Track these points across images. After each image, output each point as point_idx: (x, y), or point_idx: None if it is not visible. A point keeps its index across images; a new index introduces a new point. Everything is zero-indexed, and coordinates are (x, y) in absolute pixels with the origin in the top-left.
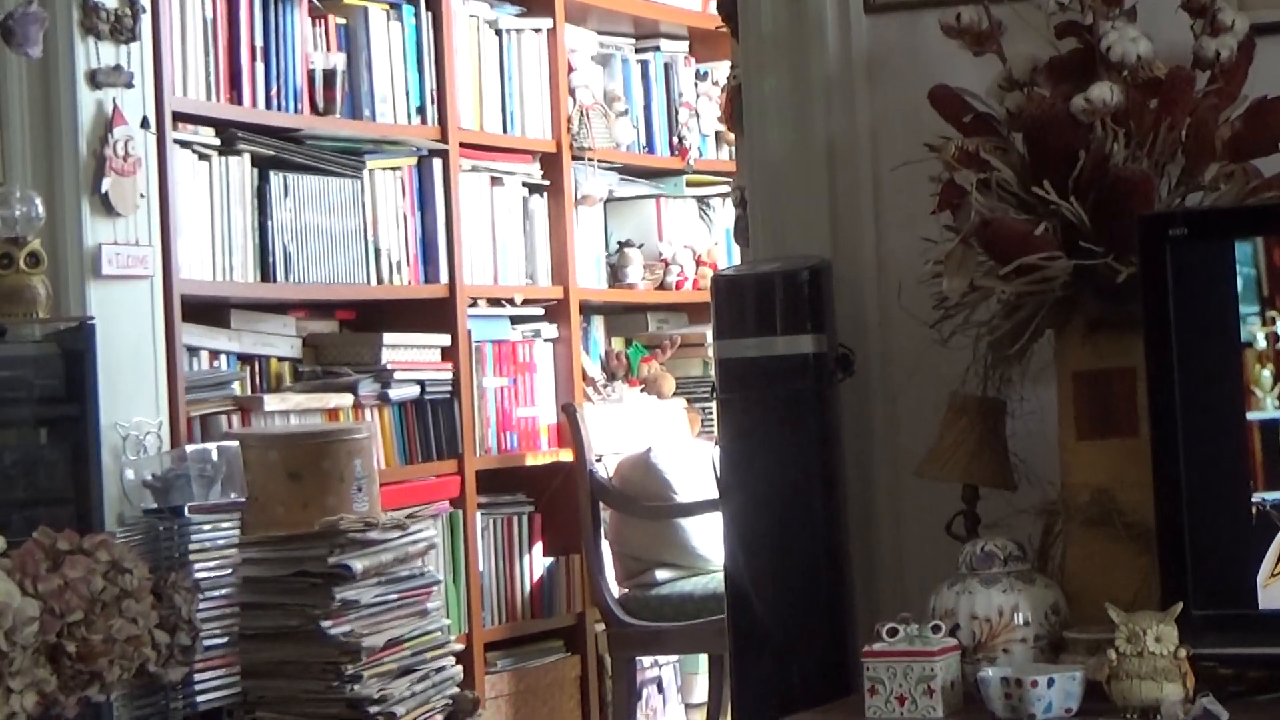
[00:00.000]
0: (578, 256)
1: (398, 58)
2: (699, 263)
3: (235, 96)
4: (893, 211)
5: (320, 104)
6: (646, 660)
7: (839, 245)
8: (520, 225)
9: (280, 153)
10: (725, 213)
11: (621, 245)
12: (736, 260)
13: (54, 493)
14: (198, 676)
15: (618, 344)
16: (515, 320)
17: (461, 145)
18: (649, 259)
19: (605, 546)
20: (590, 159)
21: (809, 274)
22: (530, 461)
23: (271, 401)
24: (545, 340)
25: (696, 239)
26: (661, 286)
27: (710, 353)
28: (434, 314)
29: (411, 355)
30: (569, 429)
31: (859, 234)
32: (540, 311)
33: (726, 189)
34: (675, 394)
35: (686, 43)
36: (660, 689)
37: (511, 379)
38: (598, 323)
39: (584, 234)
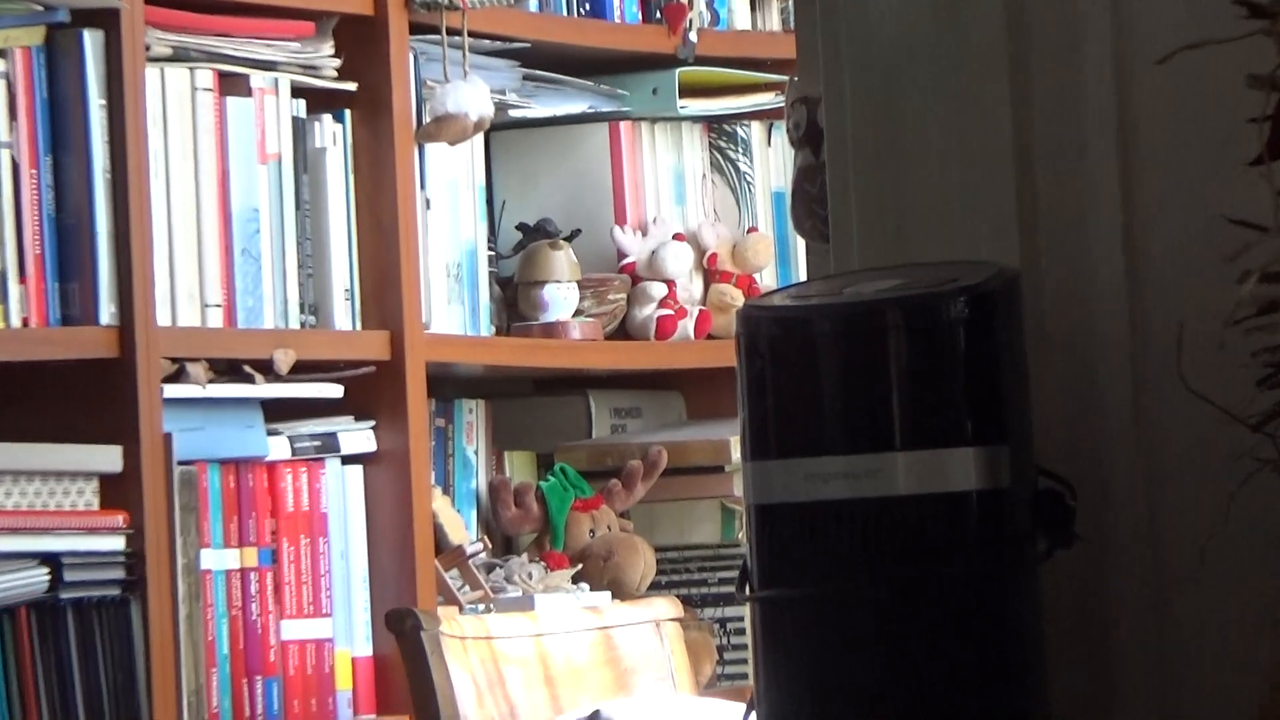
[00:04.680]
0: (428, 260)
1: None
2: (712, 275)
3: None
4: (1158, 160)
5: None
6: None
7: (1040, 238)
8: (287, 188)
9: None
10: (773, 158)
11: (528, 232)
12: (800, 271)
13: None
14: None
15: (519, 467)
16: (275, 411)
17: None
18: (594, 267)
19: None
20: (453, 30)
21: (968, 306)
22: None
23: None
24: (348, 460)
25: (704, 219)
26: (623, 332)
27: (737, 488)
28: (85, 397)
29: (30, 497)
30: (406, 673)
31: (1084, 212)
32: (337, 392)
33: (775, 103)
34: (654, 587)
35: None
36: None
37: (270, 550)
38: (471, 416)
39: (441, 208)
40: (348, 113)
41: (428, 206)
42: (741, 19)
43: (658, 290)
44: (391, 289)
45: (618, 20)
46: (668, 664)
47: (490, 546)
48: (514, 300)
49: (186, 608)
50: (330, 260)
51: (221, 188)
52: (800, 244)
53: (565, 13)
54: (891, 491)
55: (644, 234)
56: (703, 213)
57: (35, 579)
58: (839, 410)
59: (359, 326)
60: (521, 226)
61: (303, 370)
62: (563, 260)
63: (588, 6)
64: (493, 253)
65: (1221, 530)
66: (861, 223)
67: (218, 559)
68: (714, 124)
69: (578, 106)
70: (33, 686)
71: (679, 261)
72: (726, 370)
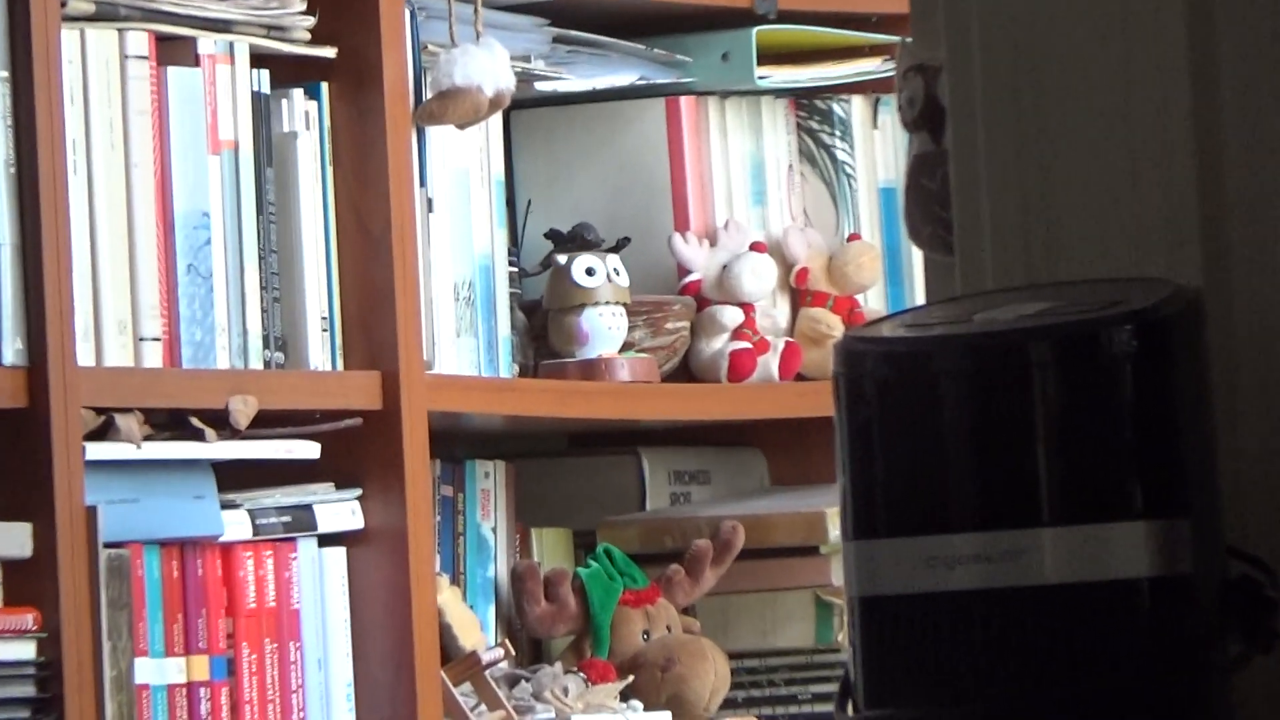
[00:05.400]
0: (430, 279)
1: None
2: (802, 297)
3: None
4: None
5: None
6: None
7: (1230, 246)
8: (246, 185)
9: None
10: (880, 144)
11: (561, 242)
12: (916, 292)
13: None
14: None
15: (551, 549)
16: (232, 478)
17: None
18: (647, 287)
19: None
20: None
21: (1136, 336)
22: None
23: None
24: (327, 540)
25: (791, 223)
26: (685, 371)
27: (836, 575)
28: None
29: None
30: None
31: None
32: (313, 451)
33: (883, 71)
34: (728, 704)
35: None
36: None
37: (226, 659)
38: (488, 483)
39: (447, 210)
40: (324, 87)
41: (430, 209)
42: None
43: (731, 317)
44: (383, 317)
45: None
46: None
47: (514, 653)
48: (543, 330)
49: None
50: (303, 280)
51: (161, 186)
52: (916, 256)
53: None
54: (1037, 580)
55: (712, 243)
56: (789, 215)
57: None
58: (969, 474)
59: (340, 366)
60: (552, 234)
61: (267, 423)
62: (606, 278)
63: None
64: (515, 269)
65: None
66: (996, 228)
67: (157, 671)
68: (803, 99)
69: (625, 77)
70: None
71: (758, 279)
72: (821, 421)
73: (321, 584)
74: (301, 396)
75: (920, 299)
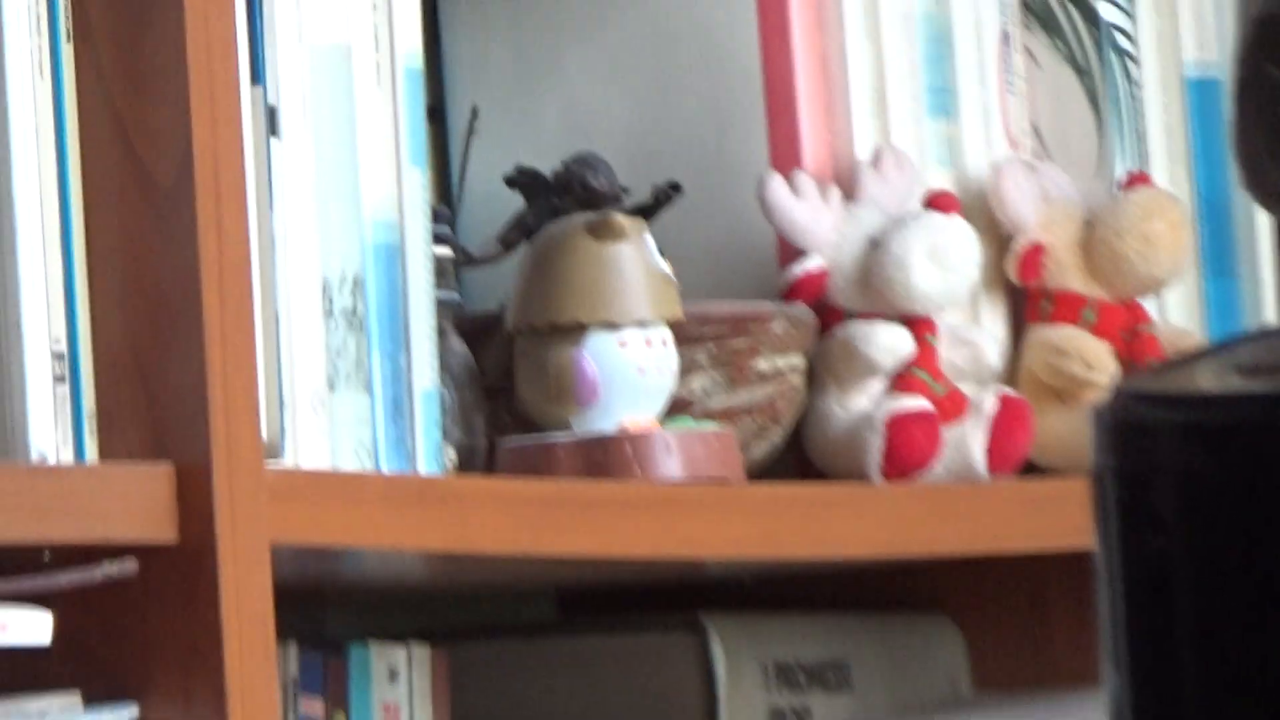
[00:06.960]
0: (275, 274)
1: None
2: (1031, 303)
3: None
4: None
5: None
6: None
7: None
8: None
9: None
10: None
11: (540, 194)
12: (1266, 297)
13: None
14: None
15: None
16: None
17: None
18: (720, 288)
19: None
20: None
21: None
22: None
23: None
24: None
25: (1009, 151)
26: (796, 456)
27: None
28: None
29: None
30: None
31: None
32: (36, 630)
33: None
34: None
35: None
36: None
37: None
38: (394, 691)
39: (308, 132)
40: None
41: (273, 129)
42: None
43: (888, 346)
44: (178, 356)
45: None
46: None
47: None
48: (505, 378)
49: None
50: (15, 279)
51: None
52: (1263, 221)
53: None
54: None
55: (848, 196)
56: (1005, 136)
57: None
58: None
59: (92, 455)
60: (522, 178)
61: None
62: (634, 268)
63: None
64: (447, 249)
65: None
66: None
67: None
68: None
69: None
70: None
71: (943, 269)
72: (1071, 562)
73: None
74: (16, 517)
75: (1271, 309)
